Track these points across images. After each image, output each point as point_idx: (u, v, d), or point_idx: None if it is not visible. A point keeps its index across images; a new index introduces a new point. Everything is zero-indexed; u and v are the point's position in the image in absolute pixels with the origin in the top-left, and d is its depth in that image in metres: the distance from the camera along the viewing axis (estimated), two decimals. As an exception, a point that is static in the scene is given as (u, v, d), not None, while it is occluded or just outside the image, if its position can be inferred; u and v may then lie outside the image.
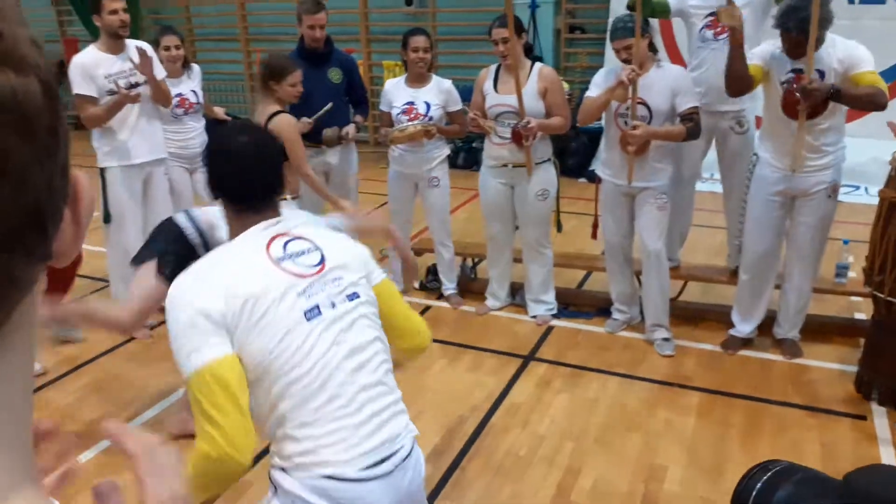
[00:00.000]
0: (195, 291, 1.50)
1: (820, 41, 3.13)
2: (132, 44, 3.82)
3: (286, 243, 1.59)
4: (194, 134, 4.41)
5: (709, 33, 3.74)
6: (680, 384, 3.47)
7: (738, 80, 3.28)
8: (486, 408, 3.30)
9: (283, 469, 1.53)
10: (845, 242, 3.86)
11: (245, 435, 1.42)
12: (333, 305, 1.57)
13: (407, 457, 1.60)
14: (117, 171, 3.84)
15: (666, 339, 3.78)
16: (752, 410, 3.23)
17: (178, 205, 4.12)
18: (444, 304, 4.43)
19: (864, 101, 3.12)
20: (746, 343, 3.75)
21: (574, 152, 7.28)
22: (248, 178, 1.63)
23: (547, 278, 4.14)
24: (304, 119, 3.87)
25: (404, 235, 4.20)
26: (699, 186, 4.18)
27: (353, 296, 1.61)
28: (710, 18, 3.71)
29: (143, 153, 3.88)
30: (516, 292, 4.36)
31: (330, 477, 1.49)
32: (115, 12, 3.66)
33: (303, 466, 1.50)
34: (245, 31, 9.33)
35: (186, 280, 1.54)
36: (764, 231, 3.52)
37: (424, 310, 4.36)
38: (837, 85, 3.10)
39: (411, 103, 4.02)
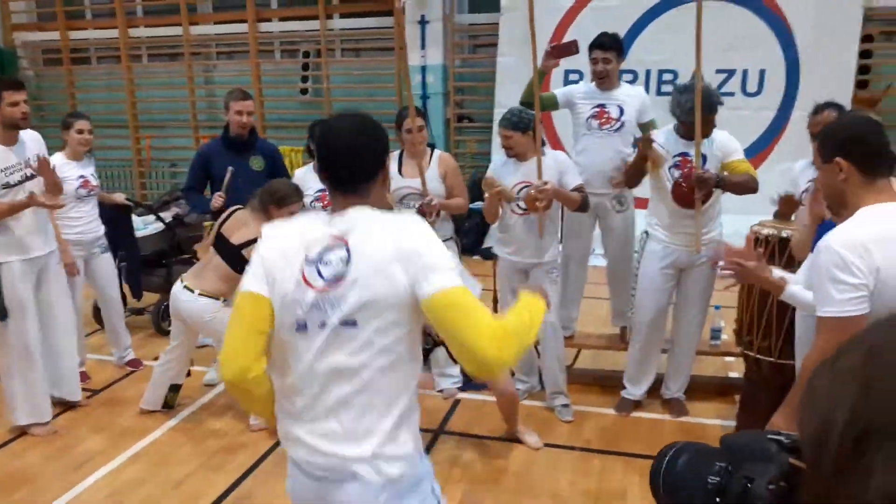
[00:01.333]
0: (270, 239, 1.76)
1: (712, 126, 3.56)
2: (25, 134, 3.72)
3: (325, 248, 1.66)
4: (92, 218, 4.42)
5: (594, 122, 4.12)
6: (581, 447, 3.68)
7: (637, 179, 3.84)
8: (400, 483, 3.36)
9: None
10: (716, 308, 4.26)
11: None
12: (323, 325, 1.64)
13: (338, 480, 1.69)
14: (15, 266, 3.64)
15: (565, 406, 4.00)
16: (648, 468, 3.44)
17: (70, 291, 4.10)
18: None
19: (742, 188, 3.57)
20: (637, 405, 4.04)
21: (468, 231, 7.63)
22: (331, 158, 1.75)
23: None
24: (217, 194, 4.07)
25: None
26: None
27: (350, 323, 1.63)
28: (597, 109, 4.11)
29: (38, 246, 3.74)
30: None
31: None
32: (15, 104, 3.55)
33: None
34: (134, 119, 9.26)
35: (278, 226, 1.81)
36: (654, 302, 3.85)
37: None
38: (720, 175, 3.53)
39: (324, 190, 4.15)
